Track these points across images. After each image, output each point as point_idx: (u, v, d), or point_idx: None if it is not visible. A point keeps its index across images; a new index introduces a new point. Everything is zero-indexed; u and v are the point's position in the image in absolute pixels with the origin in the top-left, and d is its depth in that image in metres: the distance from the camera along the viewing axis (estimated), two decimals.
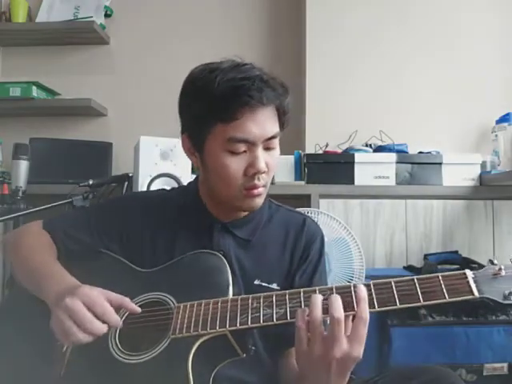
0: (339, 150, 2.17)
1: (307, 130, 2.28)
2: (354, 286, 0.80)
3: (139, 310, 0.90)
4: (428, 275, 0.80)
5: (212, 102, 0.91)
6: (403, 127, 2.22)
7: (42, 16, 2.49)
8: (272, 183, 2.06)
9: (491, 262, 0.82)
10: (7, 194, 1.85)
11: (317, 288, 0.83)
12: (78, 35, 2.44)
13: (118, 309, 0.88)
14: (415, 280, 0.79)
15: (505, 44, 2.27)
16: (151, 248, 1.03)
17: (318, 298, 0.77)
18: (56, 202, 1.61)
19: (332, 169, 2.06)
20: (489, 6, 2.28)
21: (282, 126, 0.99)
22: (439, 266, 1.85)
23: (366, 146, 2.16)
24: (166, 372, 0.84)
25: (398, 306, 0.78)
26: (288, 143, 2.38)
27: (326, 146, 2.20)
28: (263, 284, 1.00)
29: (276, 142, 0.97)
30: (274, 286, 1.01)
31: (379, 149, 2.14)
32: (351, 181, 2.05)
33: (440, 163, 2.06)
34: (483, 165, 2.09)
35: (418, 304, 0.78)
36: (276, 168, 1.00)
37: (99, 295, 0.86)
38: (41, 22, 2.46)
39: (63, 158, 2.34)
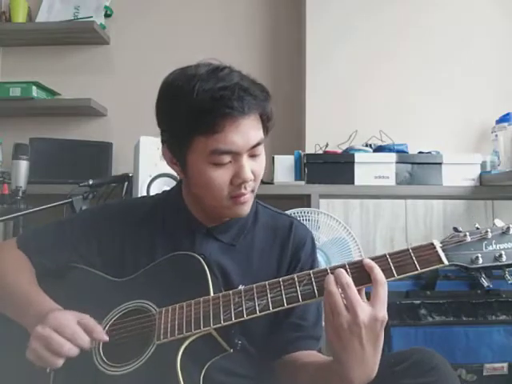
0: (339, 150, 2.16)
1: (307, 130, 2.28)
2: (337, 266, 0.81)
3: (106, 339, 0.88)
4: (399, 250, 0.82)
5: (191, 115, 0.87)
6: (403, 127, 2.22)
7: (42, 16, 2.49)
8: (272, 183, 2.09)
9: (455, 229, 0.83)
10: (7, 194, 1.85)
11: (295, 275, 0.83)
12: (78, 35, 2.44)
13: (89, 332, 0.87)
14: (387, 256, 0.81)
15: (505, 44, 2.27)
16: (132, 256, 1.01)
17: (331, 277, 0.78)
18: (56, 202, 1.61)
19: (332, 169, 2.05)
20: (489, 6, 2.28)
21: (266, 131, 0.95)
22: None
23: (366, 146, 2.16)
24: (155, 379, 0.84)
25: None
26: (288, 143, 2.40)
27: (326, 146, 2.20)
28: None
29: (261, 149, 0.94)
30: None
31: (379, 149, 2.13)
32: (351, 181, 2.04)
33: (440, 163, 2.06)
34: (483, 165, 2.09)
35: (393, 279, 0.80)
36: (262, 173, 0.97)
37: (69, 318, 0.86)
38: (41, 22, 2.47)
39: (63, 157, 2.34)
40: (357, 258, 0.83)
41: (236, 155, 0.90)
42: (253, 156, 0.93)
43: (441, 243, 0.81)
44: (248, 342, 0.96)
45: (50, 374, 0.89)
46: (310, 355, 0.97)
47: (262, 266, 1.02)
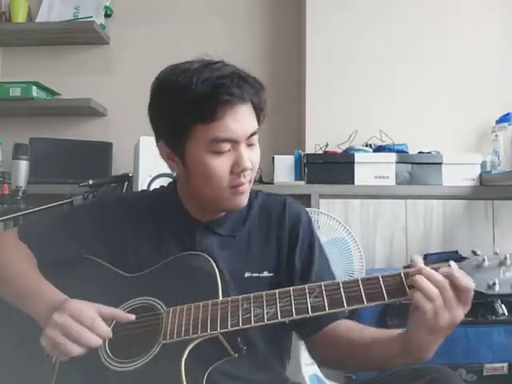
0: (339, 150, 2.16)
1: (307, 130, 2.28)
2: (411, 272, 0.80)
3: (133, 317, 0.89)
4: (414, 269, 0.80)
5: (190, 104, 0.88)
6: (403, 127, 2.22)
7: (42, 16, 2.49)
8: (272, 183, 2.09)
9: (474, 252, 0.82)
10: (7, 194, 1.84)
11: (306, 286, 0.83)
12: (78, 35, 2.44)
13: (109, 320, 0.88)
14: (402, 274, 0.80)
15: (505, 44, 2.27)
16: (135, 252, 1.01)
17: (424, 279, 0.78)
18: (56, 202, 1.61)
19: (332, 169, 2.05)
20: (489, 6, 2.28)
21: (258, 122, 0.97)
22: None
23: (366, 146, 2.16)
24: (159, 377, 0.84)
25: (387, 301, 0.79)
26: (288, 143, 2.40)
27: (326, 146, 2.20)
28: (254, 275, 0.99)
29: (256, 139, 0.96)
30: (265, 273, 0.99)
31: (379, 149, 2.13)
32: (351, 181, 2.05)
33: (440, 163, 2.06)
34: (483, 165, 2.09)
35: (406, 297, 0.79)
36: (258, 164, 0.99)
37: (88, 308, 0.86)
38: (41, 22, 2.46)
39: (63, 158, 2.34)
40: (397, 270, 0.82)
41: (235, 143, 0.92)
42: (250, 145, 0.95)
43: (458, 266, 0.80)
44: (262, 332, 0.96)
45: (54, 365, 0.89)
46: (356, 326, 0.98)
47: (263, 249, 1.02)
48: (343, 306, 0.80)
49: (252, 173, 0.97)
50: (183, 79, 0.90)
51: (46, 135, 2.39)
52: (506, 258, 0.80)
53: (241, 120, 0.91)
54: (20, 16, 2.46)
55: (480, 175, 2.06)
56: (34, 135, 2.32)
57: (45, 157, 2.26)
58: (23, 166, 1.77)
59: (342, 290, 0.81)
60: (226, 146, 0.91)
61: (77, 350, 0.83)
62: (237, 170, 0.92)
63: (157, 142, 0.99)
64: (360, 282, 0.81)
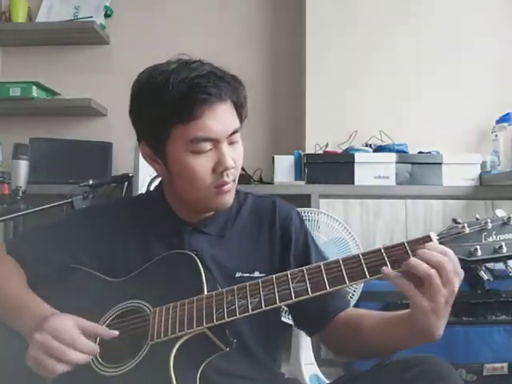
0: (339, 150, 2.17)
1: (307, 130, 2.28)
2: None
3: (116, 333, 0.88)
4: (394, 243, 0.80)
5: (168, 105, 0.89)
6: (403, 127, 2.22)
7: (42, 16, 2.49)
8: (272, 183, 2.09)
9: (455, 220, 0.81)
10: (7, 194, 1.85)
11: (288, 272, 0.83)
12: (78, 35, 2.45)
13: (93, 337, 0.87)
14: (382, 250, 0.79)
15: (505, 44, 2.27)
16: (123, 258, 1.00)
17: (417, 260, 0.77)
18: (56, 202, 1.61)
19: (332, 169, 2.06)
20: (489, 6, 2.28)
21: (240, 119, 0.96)
22: None
23: (366, 146, 2.16)
24: (149, 379, 0.83)
25: (368, 278, 0.78)
26: (288, 143, 2.40)
27: (326, 146, 2.20)
28: (245, 275, 0.98)
29: (238, 136, 0.95)
30: (257, 274, 0.98)
31: (379, 149, 2.14)
32: (351, 181, 2.05)
33: (440, 163, 2.06)
34: (483, 165, 2.09)
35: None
36: (242, 162, 0.98)
37: (69, 325, 0.85)
38: (41, 22, 2.47)
39: (63, 158, 2.34)
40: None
41: (216, 143, 0.91)
42: (232, 144, 0.94)
43: (438, 235, 0.79)
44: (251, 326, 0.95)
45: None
46: (364, 312, 0.97)
47: (254, 250, 1.02)
48: (326, 288, 0.79)
49: (235, 171, 0.95)
50: (160, 80, 0.90)
51: (46, 135, 2.39)
52: (487, 222, 0.78)
53: (220, 119, 0.90)
54: (20, 16, 2.46)
55: (480, 175, 2.06)
56: (34, 135, 2.32)
57: (45, 157, 2.26)
58: (23, 166, 1.76)
59: (323, 271, 0.81)
60: (207, 146, 0.90)
61: (60, 368, 0.82)
62: (219, 169, 0.92)
63: (139, 143, 0.99)
64: (341, 261, 0.81)
